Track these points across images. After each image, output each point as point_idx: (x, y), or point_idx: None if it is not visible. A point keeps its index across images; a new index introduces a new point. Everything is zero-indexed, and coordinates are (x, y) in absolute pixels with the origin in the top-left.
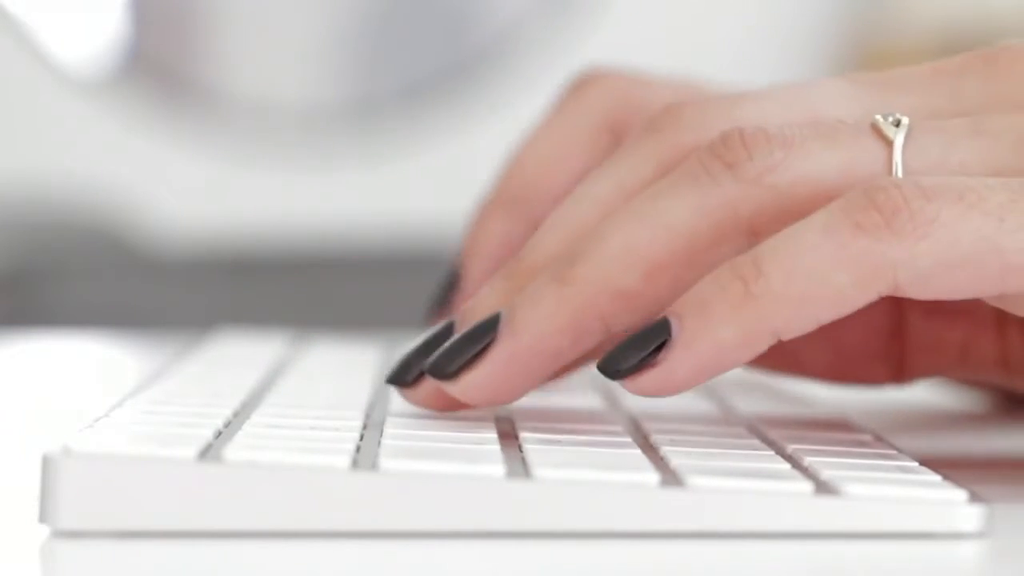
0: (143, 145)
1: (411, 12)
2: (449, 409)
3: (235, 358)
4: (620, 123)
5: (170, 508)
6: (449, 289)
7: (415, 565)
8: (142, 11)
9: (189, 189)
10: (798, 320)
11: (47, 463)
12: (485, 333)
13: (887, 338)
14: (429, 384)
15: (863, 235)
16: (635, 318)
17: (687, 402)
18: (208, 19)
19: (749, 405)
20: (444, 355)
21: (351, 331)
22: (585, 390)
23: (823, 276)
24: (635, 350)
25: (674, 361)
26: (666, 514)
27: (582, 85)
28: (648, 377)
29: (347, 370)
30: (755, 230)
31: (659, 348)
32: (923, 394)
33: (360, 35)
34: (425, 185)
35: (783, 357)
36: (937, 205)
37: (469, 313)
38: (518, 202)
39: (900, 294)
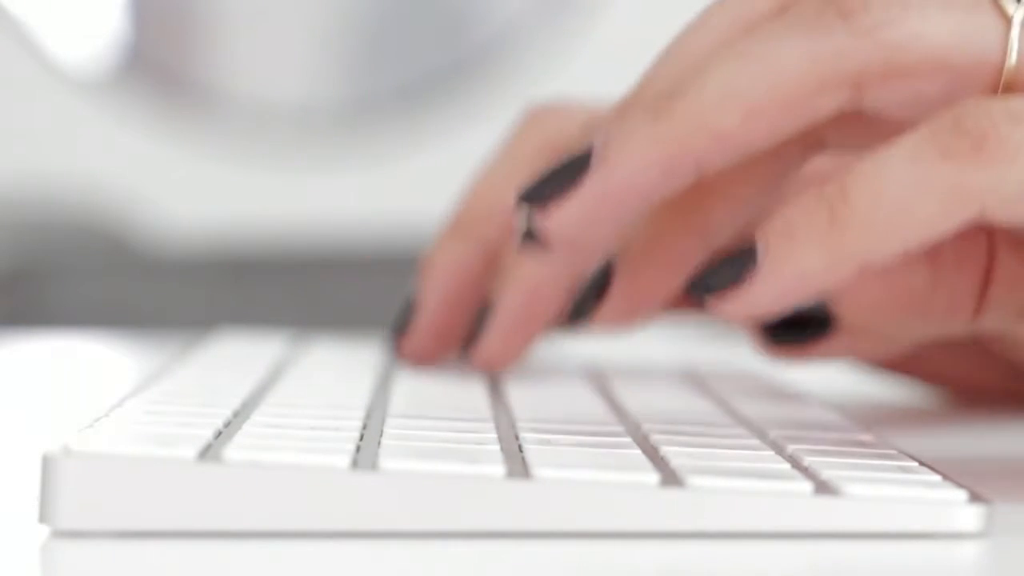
0: (143, 145)
1: (410, 12)
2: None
3: (235, 358)
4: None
5: (170, 508)
6: (408, 317)
7: (415, 565)
8: (142, 11)
9: (189, 189)
10: (884, 248)
11: (47, 463)
12: (579, 164)
13: (983, 275)
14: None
15: (950, 162)
16: (729, 160)
17: (687, 402)
18: (208, 19)
19: (749, 405)
20: (537, 183)
21: (351, 331)
22: (585, 390)
23: (909, 204)
24: (725, 271)
25: (759, 284)
26: (666, 514)
27: (532, 115)
28: (735, 297)
29: (347, 370)
30: (861, 84)
31: (747, 270)
32: (923, 394)
33: (359, 35)
34: (425, 185)
35: (918, 298)
36: None
37: (613, 162)
38: (470, 226)
39: (986, 220)
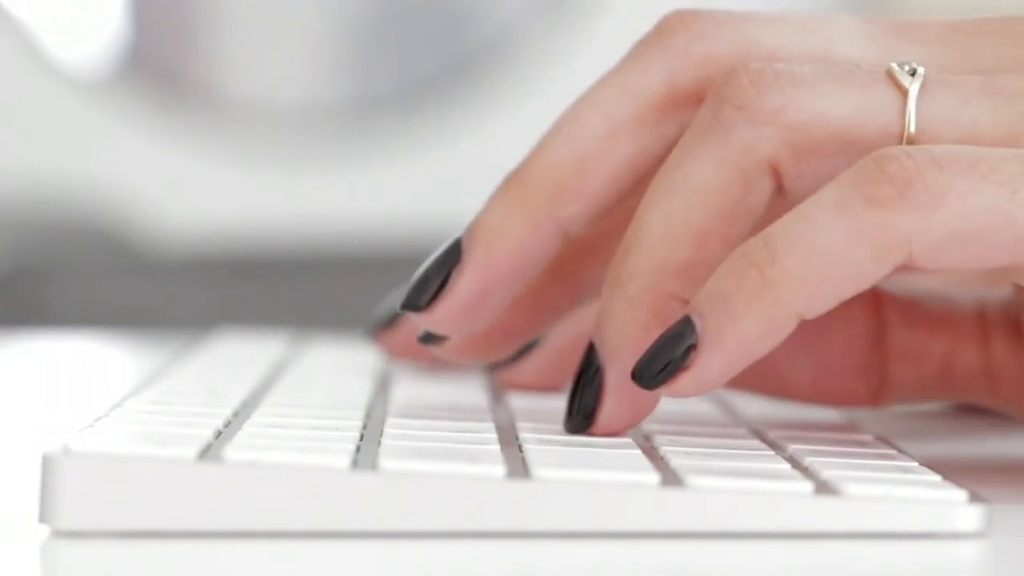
0: (143, 145)
1: (410, 12)
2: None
3: (235, 358)
4: None
5: (170, 508)
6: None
7: (415, 565)
8: (142, 11)
9: (189, 189)
10: (819, 300)
11: (47, 463)
12: (591, 371)
13: (869, 349)
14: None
15: (877, 209)
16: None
17: (687, 403)
18: (208, 19)
19: (749, 406)
20: (575, 413)
21: (351, 331)
22: None
23: (840, 254)
24: (665, 355)
25: (704, 361)
26: (666, 514)
27: (663, 28)
28: (682, 381)
29: (347, 370)
30: (777, 170)
31: (688, 348)
32: None
33: (359, 35)
34: (425, 185)
35: (767, 377)
36: (950, 175)
37: (480, 237)
38: (538, 195)
39: (913, 265)
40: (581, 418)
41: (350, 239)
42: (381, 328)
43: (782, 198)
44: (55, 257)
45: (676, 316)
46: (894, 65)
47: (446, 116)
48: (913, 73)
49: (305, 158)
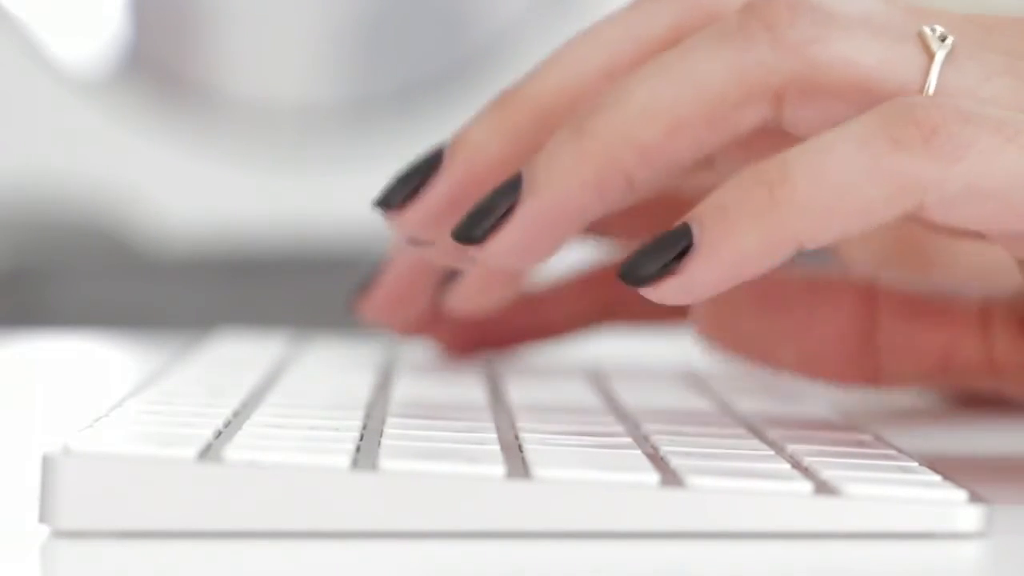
0: (143, 145)
1: (409, 13)
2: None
3: (235, 358)
4: None
5: (170, 508)
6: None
7: (415, 565)
8: (142, 11)
9: (189, 189)
10: (822, 231)
11: (47, 463)
12: (507, 195)
13: (858, 341)
14: (417, 208)
15: (899, 150)
16: (657, 176)
17: (687, 402)
18: (208, 19)
19: (749, 405)
20: (469, 220)
21: (351, 331)
22: (585, 390)
23: (853, 188)
24: (657, 256)
25: (695, 269)
26: (666, 514)
27: None
28: (669, 285)
29: (347, 370)
30: (782, 98)
31: (681, 253)
32: (922, 394)
33: (359, 35)
34: None
35: (754, 345)
36: (975, 130)
37: (462, 149)
38: (518, 113)
39: (922, 216)
40: (473, 230)
41: (350, 239)
42: (358, 293)
43: (767, 134)
44: (55, 257)
45: (615, 189)
46: (926, 29)
47: (446, 116)
48: (943, 39)
49: (305, 158)
